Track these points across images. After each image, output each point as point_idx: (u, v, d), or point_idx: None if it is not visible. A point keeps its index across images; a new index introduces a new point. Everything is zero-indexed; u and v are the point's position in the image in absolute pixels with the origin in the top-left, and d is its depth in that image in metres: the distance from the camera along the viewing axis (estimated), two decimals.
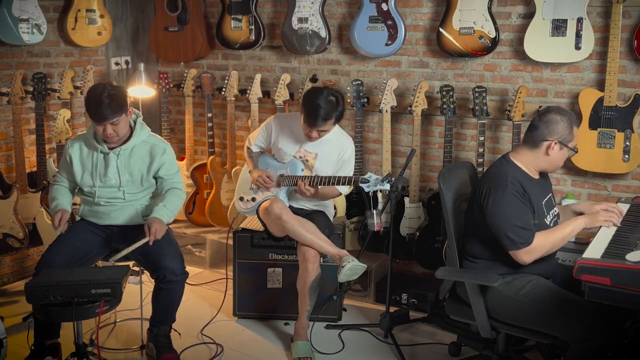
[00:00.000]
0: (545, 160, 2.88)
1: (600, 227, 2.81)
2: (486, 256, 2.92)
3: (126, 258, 3.43)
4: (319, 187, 3.57)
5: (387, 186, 3.40)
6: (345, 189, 3.74)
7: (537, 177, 2.94)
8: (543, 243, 2.78)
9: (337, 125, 3.76)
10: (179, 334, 3.60)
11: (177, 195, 3.45)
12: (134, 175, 3.38)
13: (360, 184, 3.43)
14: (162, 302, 3.34)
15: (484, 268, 2.92)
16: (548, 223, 2.91)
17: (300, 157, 3.70)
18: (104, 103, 3.15)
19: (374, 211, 3.53)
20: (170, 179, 3.45)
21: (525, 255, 2.77)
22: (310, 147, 3.68)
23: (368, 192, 3.48)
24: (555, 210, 3.02)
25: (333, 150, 3.68)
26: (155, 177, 3.45)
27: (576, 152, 2.90)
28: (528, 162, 2.90)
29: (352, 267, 3.35)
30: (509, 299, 2.81)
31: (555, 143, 2.83)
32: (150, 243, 3.23)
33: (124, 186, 3.37)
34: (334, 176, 3.57)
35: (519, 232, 2.75)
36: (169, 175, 3.45)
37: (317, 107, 3.44)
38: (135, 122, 3.40)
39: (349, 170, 3.71)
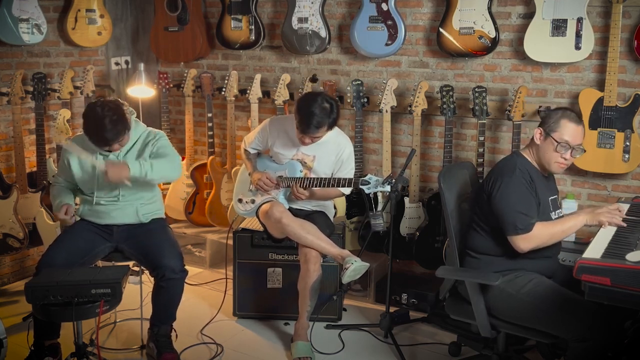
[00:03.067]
0: (538, 151, 2.91)
1: (601, 226, 2.81)
2: (489, 250, 2.92)
3: (126, 258, 3.45)
4: (319, 188, 3.58)
5: (387, 188, 3.40)
6: (347, 189, 3.74)
7: (545, 174, 2.97)
8: (542, 233, 2.79)
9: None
10: (177, 334, 3.58)
11: (170, 160, 3.32)
12: None
13: (361, 186, 3.43)
14: (161, 300, 3.34)
15: (486, 264, 2.92)
16: (553, 219, 2.92)
17: (299, 160, 3.70)
18: (108, 130, 3.13)
19: (378, 212, 3.52)
20: (165, 150, 3.35)
21: (523, 242, 2.78)
22: (307, 149, 3.67)
23: (368, 194, 3.47)
24: (561, 212, 3.04)
25: (331, 151, 3.67)
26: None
27: (559, 143, 2.82)
28: (533, 158, 2.94)
29: (355, 269, 3.35)
30: (511, 297, 2.81)
31: (542, 131, 2.88)
32: (97, 170, 3.20)
33: (120, 186, 3.35)
34: (335, 178, 3.57)
35: (521, 218, 2.77)
36: (163, 149, 3.36)
37: (311, 115, 3.43)
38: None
39: (349, 170, 3.70)
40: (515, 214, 2.77)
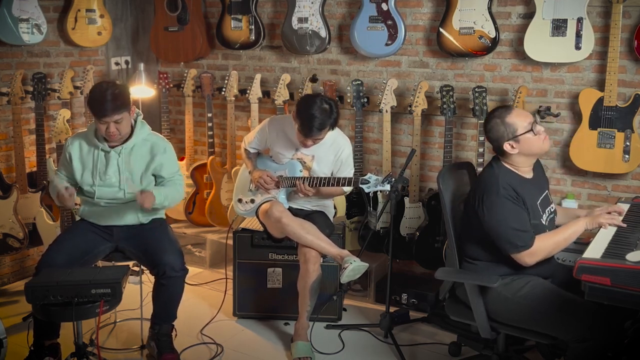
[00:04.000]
0: (522, 156, 2.88)
1: (601, 227, 2.80)
2: (485, 258, 2.91)
3: (126, 258, 3.45)
4: (320, 187, 3.58)
5: (387, 187, 3.40)
6: (348, 188, 3.74)
7: (529, 176, 2.94)
8: (545, 245, 2.78)
9: None
10: (176, 332, 3.58)
11: (176, 189, 3.49)
12: (134, 173, 3.39)
13: (361, 185, 3.43)
14: (162, 298, 3.34)
15: (483, 269, 2.92)
16: (544, 222, 2.91)
17: (298, 160, 3.69)
18: (108, 100, 3.17)
19: (373, 212, 3.52)
20: (171, 178, 3.48)
21: (528, 257, 2.77)
22: (306, 149, 3.67)
23: (368, 193, 3.47)
24: (552, 207, 3.02)
25: (330, 151, 3.67)
26: (155, 176, 3.46)
27: (531, 130, 2.81)
28: (514, 163, 2.91)
29: (354, 268, 3.35)
30: (508, 300, 2.80)
31: (509, 142, 2.84)
32: (137, 204, 3.29)
33: (123, 185, 3.37)
34: (334, 177, 3.57)
35: (518, 235, 2.75)
36: (169, 174, 3.47)
37: (312, 118, 3.42)
38: (135, 121, 3.41)
39: (349, 170, 3.71)
40: (510, 232, 2.75)
